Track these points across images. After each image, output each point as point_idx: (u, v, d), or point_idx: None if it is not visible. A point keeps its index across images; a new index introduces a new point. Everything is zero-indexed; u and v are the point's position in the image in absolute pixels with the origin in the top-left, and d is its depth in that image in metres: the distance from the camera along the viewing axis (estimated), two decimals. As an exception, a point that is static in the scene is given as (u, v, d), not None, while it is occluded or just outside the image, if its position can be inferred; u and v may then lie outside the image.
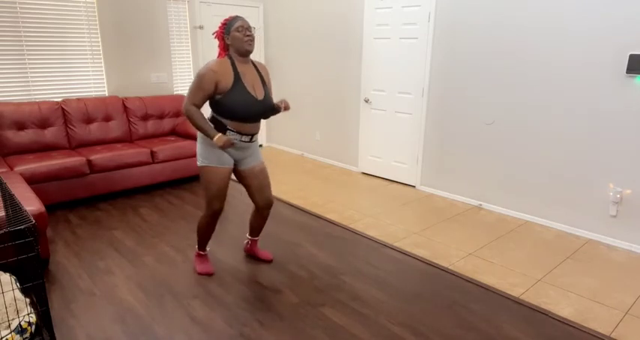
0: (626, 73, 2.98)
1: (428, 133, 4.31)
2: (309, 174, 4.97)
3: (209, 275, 2.73)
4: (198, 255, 2.80)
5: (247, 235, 2.95)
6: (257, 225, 2.83)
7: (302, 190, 4.40)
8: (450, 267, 2.87)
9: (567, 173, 3.40)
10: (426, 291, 2.57)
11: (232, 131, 2.41)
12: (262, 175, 2.63)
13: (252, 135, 2.51)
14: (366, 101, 4.81)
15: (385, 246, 3.17)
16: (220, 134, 2.30)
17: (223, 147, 2.29)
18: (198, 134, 2.50)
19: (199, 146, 2.48)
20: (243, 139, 2.47)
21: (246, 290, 2.55)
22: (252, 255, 2.97)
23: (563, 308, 2.42)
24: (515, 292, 2.58)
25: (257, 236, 2.91)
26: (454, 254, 3.06)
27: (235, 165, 2.58)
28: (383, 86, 4.62)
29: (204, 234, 2.68)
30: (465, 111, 3.96)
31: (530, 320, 2.29)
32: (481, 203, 4.00)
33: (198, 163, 2.50)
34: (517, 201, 3.74)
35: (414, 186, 4.56)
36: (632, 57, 2.94)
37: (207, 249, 2.86)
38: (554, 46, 3.32)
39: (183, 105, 2.37)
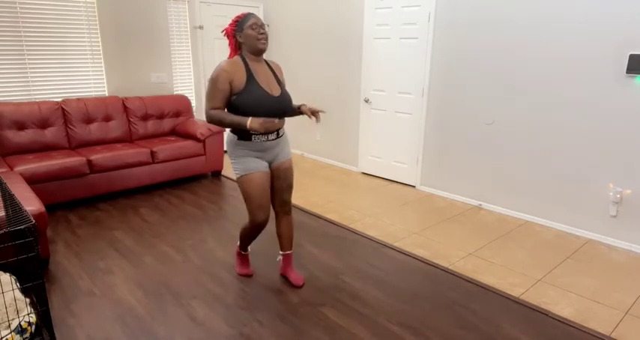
0: (626, 73, 2.98)
1: (428, 133, 4.31)
2: (309, 174, 4.97)
3: (248, 276, 2.70)
4: (239, 254, 2.73)
5: (279, 251, 2.78)
6: (282, 233, 2.58)
7: (302, 190, 4.40)
8: (450, 267, 2.87)
9: (567, 173, 3.40)
10: (425, 291, 2.57)
11: (255, 133, 2.28)
12: (286, 175, 2.47)
13: (277, 130, 2.37)
14: (366, 101, 4.81)
15: (385, 246, 3.17)
16: (252, 118, 2.13)
17: (260, 130, 2.09)
18: (227, 145, 2.37)
19: (232, 157, 2.36)
20: (270, 138, 2.33)
21: (247, 290, 2.55)
22: (284, 277, 2.71)
23: (563, 308, 2.42)
24: (515, 292, 2.58)
25: (289, 249, 2.62)
26: (454, 254, 3.06)
27: (270, 165, 2.45)
28: (383, 86, 4.62)
29: (246, 239, 2.57)
30: (465, 111, 3.96)
31: (530, 320, 2.29)
32: (481, 203, 4.00)
33: (235, 175, 2.36)
34: (517, 201, 3.74)
35: (414, 186, 4.56)
36: (632, 57, 2.94)
37: (249, 249, 2.75)
38: (554, 46, 3.32)
39: (204, 114, 2.25)
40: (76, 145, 4.19)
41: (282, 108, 2.33)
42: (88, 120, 4.26)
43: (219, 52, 5.52)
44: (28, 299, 2.13)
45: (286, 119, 6.02)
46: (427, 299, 2.49)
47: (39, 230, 2.63)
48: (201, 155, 4.57)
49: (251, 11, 5.72)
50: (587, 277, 2.77)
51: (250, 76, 2.26)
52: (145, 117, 4.63)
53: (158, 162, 4.24)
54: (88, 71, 4.48)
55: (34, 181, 3.51)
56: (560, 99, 3.35)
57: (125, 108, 4.52)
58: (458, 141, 4.07)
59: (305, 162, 5.50)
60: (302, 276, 2.65)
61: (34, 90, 4.18)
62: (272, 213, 3.73)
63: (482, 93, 3.81)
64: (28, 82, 4.14)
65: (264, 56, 5.98)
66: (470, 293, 2.55)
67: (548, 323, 2.27)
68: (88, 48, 4.43)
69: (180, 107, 4.87)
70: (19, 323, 1.89)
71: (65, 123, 4.14)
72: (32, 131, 3.95)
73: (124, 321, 2.25)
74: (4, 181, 2.30)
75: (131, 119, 4.54)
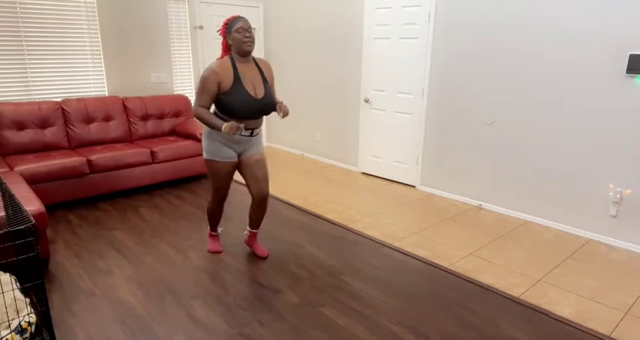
0: (626, 73, 2.98)
1: (428, 133, 4.31)
2: (309, 174, 4.97)
3: (218, 253, 2.98)
4: (210, 236, 3.05)
5: (247, 227, 3.06)
6: (254, 217, 2.89)
7: (302, 190, 4.40)
8: (450, 267, 2.87)
9: (567, 173, 3.40)
10: (426, 291, 2.57)
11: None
12: (258, 166, 2.71)
13: (252, 129, 2.62)
14: (366, 101, 4.81)
15: (385, 246, 3.17)
16: (226, 123, 2.36)
17: (231, 133, 2.34)
18: (203, 130, 2.62)
19: (204, 141, 2.62)
20: (242, 134, 2.57)
21: (246, 290, 2.55)
22: (250, 248, 3.07)
23: (563, 308, 2.42)
24: (515, 292, 2.58)
25: (255, 228, 2.96)
26: (454, 254, 3.06)
27: (238, 156, 2.71)
28: (383, 86, 4.62)
29: (213, 217, 2.93)
30: (465, 111, 3.96)
31: (530, 320, 2.29)
32: (481, 203, 4.00)
33: (204, 156, 2.65)
34: (517, 201, 3.74)
35: (414, 186, 4.56)
36: (632, 57, 2.94)
37: (219, 229, 3.10)
38: (554, 46, 3.32)
39: (192, 109, 2.48)
40: (76, 145, 4.20)
41: (265, 109, 2.55)
42: (88, 120, 4.26)
43: (219, 52, 5.52)
44: (28, 299, 2.13)
45: (287, 119, 6.02)
46: (427, 299, 2.49)
47: (39, 230, 2.63)
48: (201, 155, 4.57)
49: (251, 11, 5.73)
50: (587, 277, 2.77)
51: (237, 78, 2.46)
52: (145, 117, 4.63)
53: (158, 162, 4.24)
54: (88, 71, 4.48)
55: (34, 181, 3.51)
56: (560, 99, 3.35)
57: (125, 108, 4.52)
58: (458, 141, 4.07)
59: (305, 162, 5.50)
60: (265, 249, 3.01)
61: (34, 90, 4.18)
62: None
63: (483, 93, 3.81)
64: (28, 82, 4.14)
65: (263, 55, 5.99)
66: (470, 293, 2.55)
67: (548, 323, 2.27)
68: (88, 48, 4.43)
69: (180, 107, 4.87)
70: (19, 323, 1.89)
71: (65, 123, 4.14)
72: (32, 131, 3.95)
73: (124, 321, 2.25)
74: (4, 181, 2.30)
75: (131, 119, 4.54)
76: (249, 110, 2.47)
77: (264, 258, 2.95)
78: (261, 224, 3.45)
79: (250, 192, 2.76)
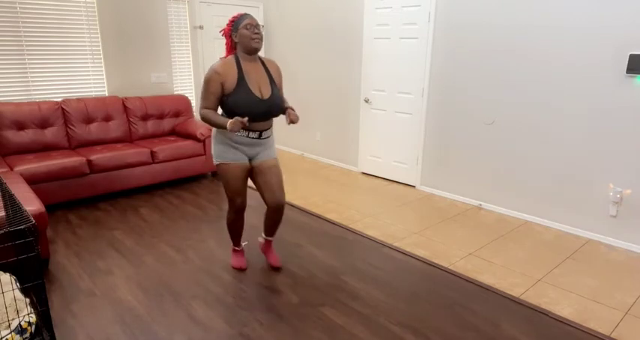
0: (626, 73, 2.98)
1: (428, 133, 4.31)
2: (309, 174, 4.97)
3: (241, 269, 2.78)
4: (234, 251, 2.85)
5: (262, 233, 3.01)
6: (269, 224, 2.73)
7: (302, 190, 4.40)
8: (449, 267, 2.87)
9: (567, 173, 3.40)
10: (426, 291, 2.57)
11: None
12: (271, 172, 2.55)
13: (261, 132, 2.49)
14: (366, 101, 4.81)
15: (385, 246, 3.17)
16: (230, 121, 2.25)
17: (235, 129, 2.23)
18: (212, 134, 2.53)
19: (213, 146, 2.51)
20: (250, 136, 2.46)
21: (246, 290, 2.55)
22: (263, 255, 2.98)
23: (563, 308, 2.42)
24: (515, 292, 2.58)
25: (270, 235, 2.80)
26: (454, 254, 3.06)
27: (250, 161, 2.56)
28: (383, 86, 4.62)
29: (233, 230, 2.73)
30: (465, 111, 3.96)
31: (530, 320, 2.29)
32: (481, 203, 4.00)
33: (214, 162, 2.53)
34: (517, 201, 3.74)
35: (414, 186, 4.56)
36: (632, 57, 2.94)
37: (243, 244, 2.89)
38: (554, 45, 3.32)
39: (199, 112, 2.43)
40: (76, 145, 4.19)
41: (271, 110, 2.44)
42: (88, 120, 4.26)
43: (219, 52, 5.52)
44: (28, 299, 2.13)
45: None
46: (427, 299, 2.49)
47: (39, 230, 2.63)
48: (201, 155, 4.57)
49: (251, 11, 5.73)
50: (587, 277, 2.77)
51: (241, 77, 2.37)
52: (145, 117, 4.63)
53: (158, 162, 4.24)
54: (88, 71, 4.48)
55: (34, 181, 3.51)
56: (560, 99, 3.35)
57: (125, 108, 4.52)
58: (458, 141, 4.07)
59: (305, 162, 5.50)
60: (279, 258, 2.88)
61: (34, 90, 4.18)
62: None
63: (483, 93, 3.81)
64: (28, 82, 4.14)
65: (263, 55, 5.99)
66: (470, 293, 2.55)
67: (548, 323, 2.27)
68: (88, 48, 4.43)
69: (180, 107, 4.87)
70: (19, 323, 1.89)
71: (65, 123, 4.14)
72: (32, 131, 3.95)
73: (124, 321, 2.25)
74: (4, 181, 2.30)
75: (131, 119, 4.54)
76: (254, 111, 2.37)
77: (277, 269, 2.80)
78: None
79: (265, 200, 2.58)
